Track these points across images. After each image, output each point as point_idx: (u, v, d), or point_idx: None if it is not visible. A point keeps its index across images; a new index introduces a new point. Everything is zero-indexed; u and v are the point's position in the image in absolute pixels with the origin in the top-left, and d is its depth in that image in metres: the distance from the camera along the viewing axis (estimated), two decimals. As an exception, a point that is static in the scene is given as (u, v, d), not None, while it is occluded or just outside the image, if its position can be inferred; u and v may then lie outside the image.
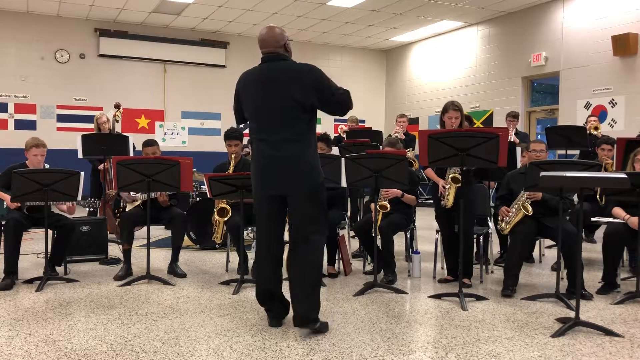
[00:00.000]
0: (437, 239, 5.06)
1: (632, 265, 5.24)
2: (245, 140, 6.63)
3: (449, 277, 4.81)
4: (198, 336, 3.39)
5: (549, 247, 6.31)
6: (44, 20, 11.62)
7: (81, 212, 6.78)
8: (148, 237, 4.84)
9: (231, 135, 5.20)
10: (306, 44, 13.65)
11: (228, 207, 4.95)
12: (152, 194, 4.89)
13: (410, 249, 5.36)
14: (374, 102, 14.66)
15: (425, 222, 8.18)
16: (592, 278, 4.84)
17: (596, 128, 7.02)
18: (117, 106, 7.33)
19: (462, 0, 10.39)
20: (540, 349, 3.21)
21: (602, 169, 5.35)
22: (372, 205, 4.81)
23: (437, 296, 4.33)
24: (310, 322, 3.39)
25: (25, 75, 11.53)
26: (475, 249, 5.21)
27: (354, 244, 6.09)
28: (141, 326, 3.59)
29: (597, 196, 5.21)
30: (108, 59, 12.15)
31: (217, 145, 11.75)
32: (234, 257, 5.44)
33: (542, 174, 3.40)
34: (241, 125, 3.91)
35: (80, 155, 6.35)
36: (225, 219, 4.95)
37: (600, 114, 9.33)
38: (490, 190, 5.66)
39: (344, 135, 7.91)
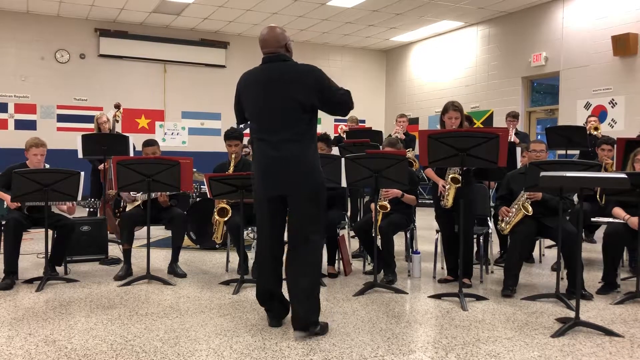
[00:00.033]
0: (437, 239, 5.06)
1: (632, 265, 5.24)
2: (246, 140, 6.63)
3: (449, 277, 4.81)
4: (198, 336, 3.39)
5: (549, 247, 6.31)
6: (44, 20, 11.62)
7: (81, 212, 6.78)
8: (148, 237, 4.84)
9: (231, 136, 5.20)
10: (306, 44, 13.65)
11: (228, 207, 4.95)
12: (152, 194, 4.88)
13: (410, 249, 5.37)
14: (374, 102, 14.66)
15: (425, 222, 8.18)
16: (592, 278, 4.84)
17: (596, 128, 7.01)
18: (117, 106, 7.33)
19: (462, 0, 10.40)
20: (540, 349, 3.22)
21: (602, 169, 5.35)
22: (372, 205, 4.81)
23: (437, 296, 4.33)
24: (310, 325, 3.37)
25: (25, 75, 11.53)
26: (475, 249, 5.22)
27: (354, 244, 6.09)
28: (141, 326, 3.59)
29: (597, 196, 5.21)
30: (108, 59, 12.15)
31: (217, 145, 11.74)
32: (234, 257, 5.44)
33: (542, 174, 3.40)
34: (241, 125, 3.90)
35: (80, 155, 6.35)
36: (226, 219, 4.95)
37: (600, 114, 9.32)
38: (490, 190, 5.66)
39: (344, 135, 7.91)
